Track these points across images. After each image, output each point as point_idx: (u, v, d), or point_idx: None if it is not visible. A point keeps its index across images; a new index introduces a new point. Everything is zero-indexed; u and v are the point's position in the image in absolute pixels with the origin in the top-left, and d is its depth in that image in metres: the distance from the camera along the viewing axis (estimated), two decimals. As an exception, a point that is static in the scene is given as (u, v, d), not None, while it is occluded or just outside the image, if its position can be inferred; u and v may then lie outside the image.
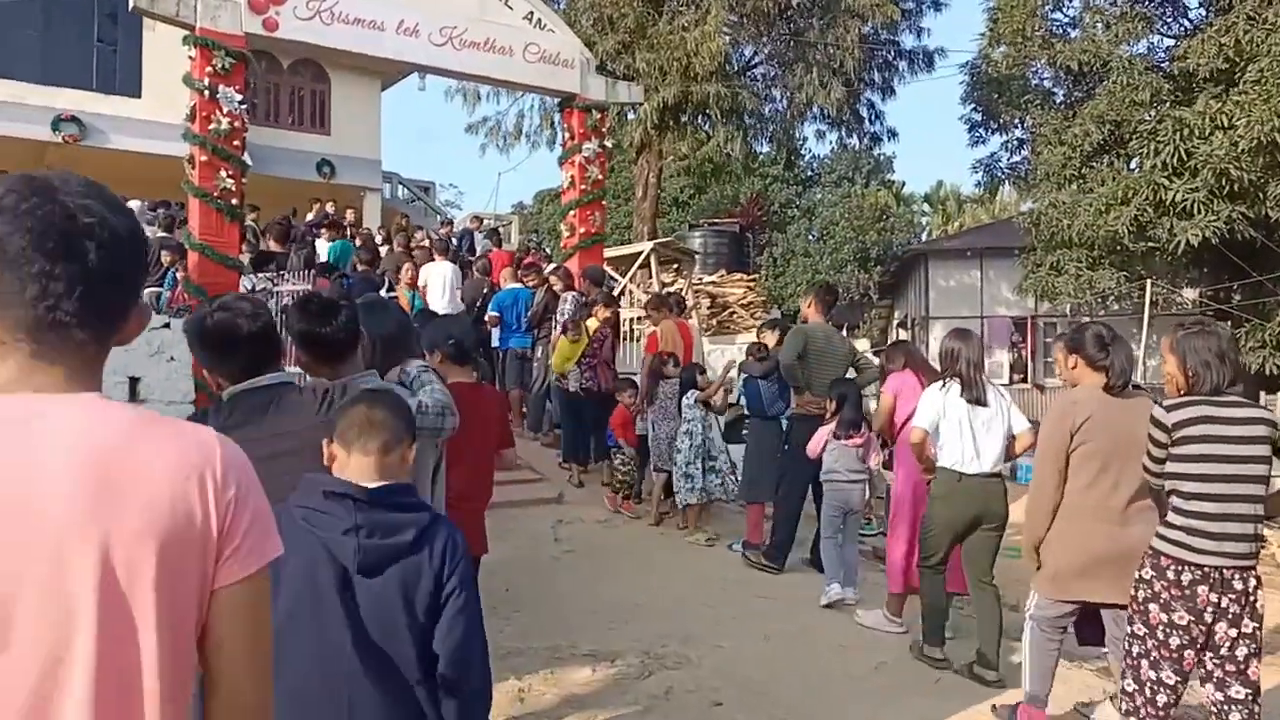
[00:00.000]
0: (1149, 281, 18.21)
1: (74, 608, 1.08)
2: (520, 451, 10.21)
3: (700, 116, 19.35)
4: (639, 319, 13.91)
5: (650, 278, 14.87)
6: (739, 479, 8.11)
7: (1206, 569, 3.40)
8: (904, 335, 28.58)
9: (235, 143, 9.69)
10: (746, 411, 8.38)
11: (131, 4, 9.34)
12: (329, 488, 2.09)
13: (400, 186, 27.54)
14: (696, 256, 17.47)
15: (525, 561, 7.29)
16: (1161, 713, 3.52)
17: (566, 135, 12.05)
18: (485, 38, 11.01)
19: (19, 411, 1.12)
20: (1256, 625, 3.44)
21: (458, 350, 4.25)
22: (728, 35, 17.03)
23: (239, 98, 9.67)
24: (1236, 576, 3.40)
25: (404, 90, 51.89)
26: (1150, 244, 18.97)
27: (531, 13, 11.44)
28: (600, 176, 11.98)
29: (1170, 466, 3.54)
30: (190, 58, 9.64)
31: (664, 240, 16.29)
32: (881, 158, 37.72)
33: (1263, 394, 18.18)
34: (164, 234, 12.41)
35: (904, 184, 40.69)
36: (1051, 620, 4.35)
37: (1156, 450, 3.58)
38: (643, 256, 14.64)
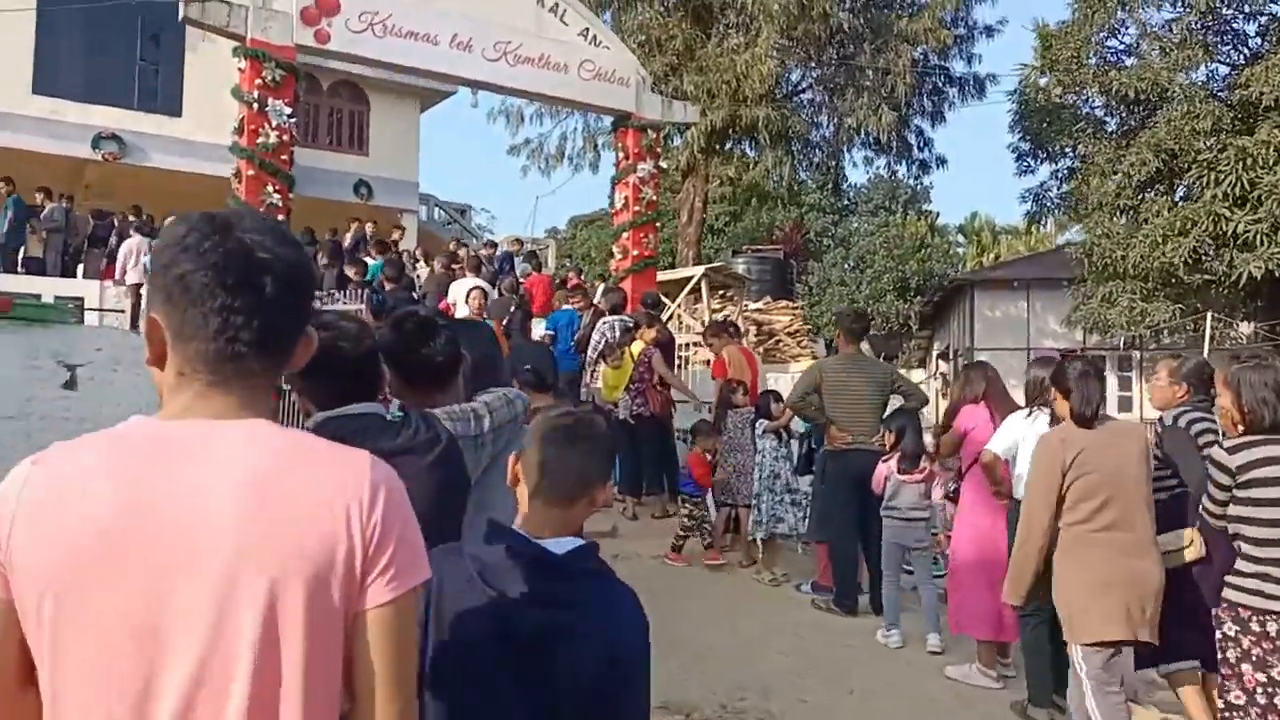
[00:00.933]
0: (1208, 315, 17.61)
1: (229, 630, 1.12)
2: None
3: (748, 140, 19.04)
4: (689, 345, 13.54)
5: (698, 303, 14.49)
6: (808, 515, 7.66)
7: None
8: (944, 367, 28.04)
9: (283, 157, 9.42)
10: (814, 445, 7.95)
11: (181, 13, 9.13)
12: (514, 545, 1.73)
13: (437, 208, 27.39)
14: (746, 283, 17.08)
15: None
16: None
17: (620, 155, 11.73)
18: (540, 53, 10.73)
19: (192, 436, 1.18)
20: None
21: (536, 378, 4.01)
22: (776, 59, 16.68)
23: (288, 111, 9.42)
24: None
25: (443, 112, 51.98)
26: (1206, 276, 18.43)
27: (587, 29, 11.16)
28: (654, 198, 11.66)
29: (1234, 510, 3.38)
30: (240, 69, 9.40)
31: (716, 265, 15.93)
32: (919, 187, 37.32)
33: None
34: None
35: (938, 214, 40.22)
36: (1099, 669, 4.00)
37: (1219, 493, 3.43)
38: (693, 281, 14.26)
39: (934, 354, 29.85)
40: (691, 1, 18.10)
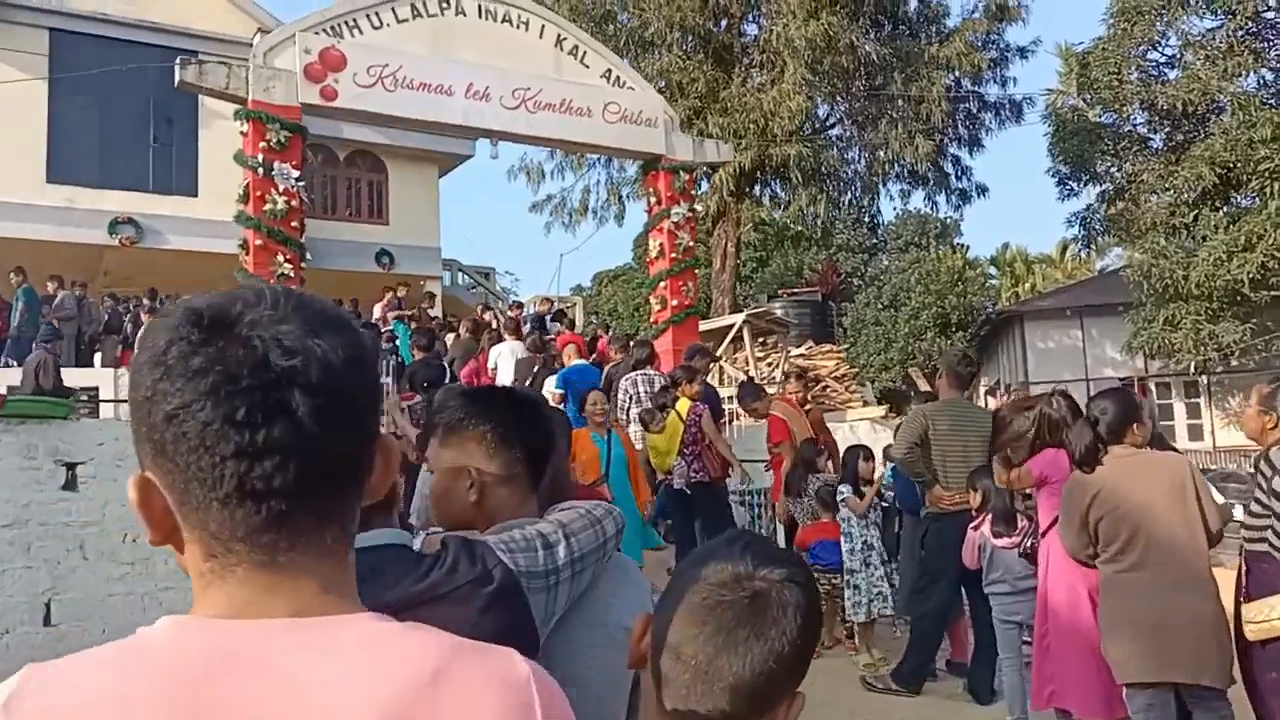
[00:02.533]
0: (1286, 333, 16.56)
1: None
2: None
3: (778, 181, 18.31)
4: (732, 398, 12.67)
5: (739, 351, 13.64)
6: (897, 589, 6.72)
7: None
8: (994, 403, 26.93)
9: (293, 224, 8.73)
10: (899, 507, 7.03)
11: (177, 79, 8.50)
12: None
13: (460, 273, 26.91)
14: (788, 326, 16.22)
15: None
16: None
17: (653, 200, 10.96)
18: (561, 98, 10.05)
19: (269, 651, 0.81)
20: None
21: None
22: (804, 93, 15.99)
23: (295, 174, 8.74)
24: None
25: (463, 175, 52.17)
26: (1274, 292, 17.41)
27: (610, 70, 10.48)
28: (691, 243, 10.87)
29: None
30: (242, 133, 8.76)
31: (757, 311, 15.11)
32: (950, 220, 36.52)
33: None
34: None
35: (968, 248, 39.29)
36: (1142, 711, 3.93)
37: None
38: (735, 329, 13.42)
39: (982, 390, 28.79)
40: (712, 43, 17.52)
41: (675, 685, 1.10)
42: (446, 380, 8.81)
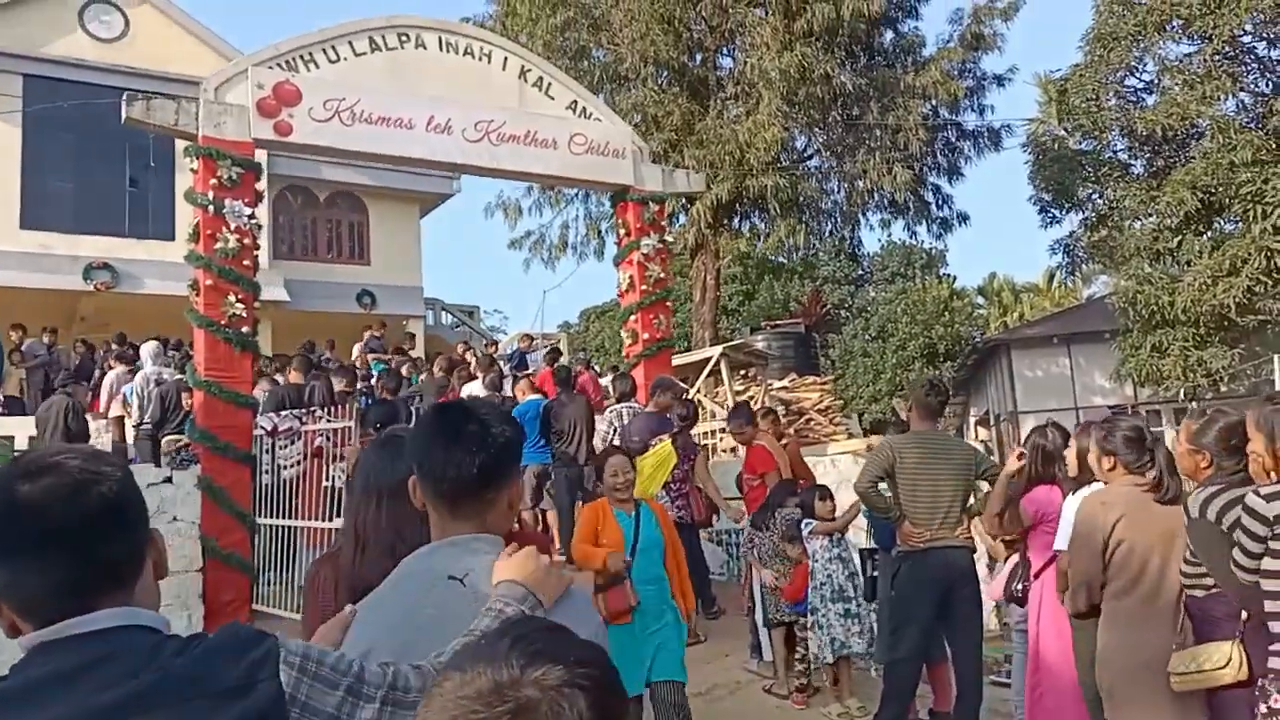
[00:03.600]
0: (1275, 358, 16.31)
1: None
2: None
3: (757, 212, 18.13)
4: (713, 432, 12.38)
5: (719, 385, 13.35)
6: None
7: None
8: (985, 434, 26.70)
9: (245, 262, 8.43)
10: (874, 545, 6.71)
11: (124, 115, 8.25)
12: None
13: (444, 312, 26.72)
14: (770, 359, 15.94)
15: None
16: None
17: (622, 232, 10.71)
18: (525, 130, 9.82)
19: None
20: None
21: None
22: (780, 124, 15.83)
23: (248, 211, 8.46)
24: None
25: (445, 214, 52.16)
26: (1262, 317, 17.21)
27: (575, 101, 10.27)
28: (662, 275, 10.59)
29: (1270, 564, 3.05)
30: (192, 170, 8.50)
31: (734, 344, 14.83)
32: (935, 251, 36.46)
33: None
34: (181, 375, 11.18)
35: (955, 278, 39.18)
36: None
37: (1253, 545, 3.09)
38: (712, 363, 13.14)
39: (972, 420, 28.55)
40: (687, 76, 17.41)
41: None
42: (400, 420, 8.54)
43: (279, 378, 11.07)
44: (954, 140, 18.94)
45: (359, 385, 11.65)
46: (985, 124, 18.86)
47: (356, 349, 17.34)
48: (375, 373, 13.81)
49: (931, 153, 18.39)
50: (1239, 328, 17.21)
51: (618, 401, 9.37)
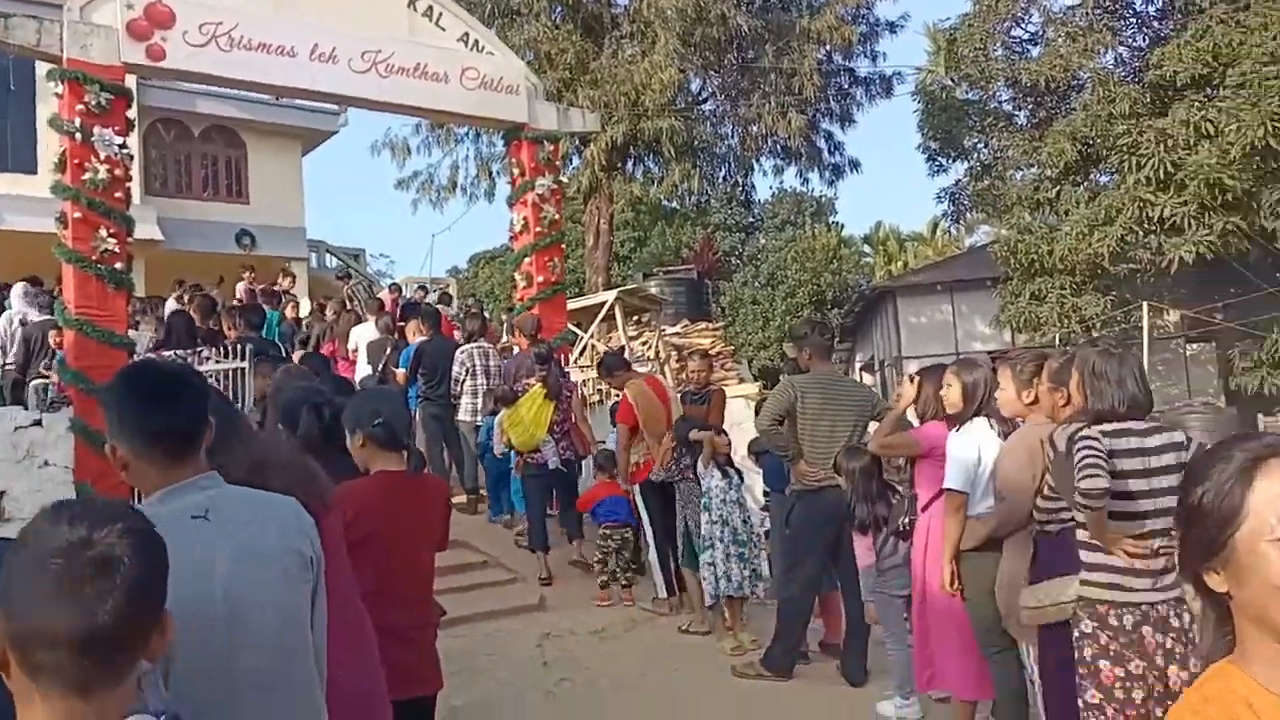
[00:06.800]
0: (1145, 304, 17.07)
1: None
2: (479, 539, 8.54)
3: (651, 156, 18.00)
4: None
5: (613, 331, 13.29)
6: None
7: (1144, 608, 3.21)
8: (870, 380, 27.34)
9: (116, 195, 7.96)
10: (767, 488, 6.79)
11: (-22, 32, 7.63)
12: None
13: (328, 255, 25.88)
14: (663, 305, 15.94)
15: (510, 704, 5.56)
16: None
17: (516, 171, 10.46)
18: (415, 63, 9.46)
19: None
20: (1201, 663, 2.58)
21: (386, 432, 3.16)
22: (676, 66, 15.68)
23: (119, 141, 7.97)
24: (1172, 613, 3.23)
25: (329, 153, 50.48)
26: (1133, 266, 17.98)
27: (467, 34, 9.93)
28: (557, 217, 10.41)
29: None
30: (57, 95, 7.94)
31: (629, 288, 14.75)
32: (825, 199, 36.97)
33: (1260, 416, 17.12)
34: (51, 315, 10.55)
35: (843, 226, 39.85)
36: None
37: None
38: (606, 308, 13.05)
39: (857, 365, 29.19)
40: (581, 12, 17.07)
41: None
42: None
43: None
44: (847, 87, 19.11)
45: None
46: (877, 71, 19.09)
47: (240, 288, 16.67)
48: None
49: (825, 99, 18.53)
50: (1112, 276, 17.93)
51: (467, 341, 9.20)
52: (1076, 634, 3.32)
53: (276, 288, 16.00)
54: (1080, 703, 3.27)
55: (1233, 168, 15.27)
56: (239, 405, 8.02)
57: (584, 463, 8.34)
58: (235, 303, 14.35)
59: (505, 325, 13.86)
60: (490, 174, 19.20)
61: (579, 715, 5.46)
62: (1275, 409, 16.74)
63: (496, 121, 10.62)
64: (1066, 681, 3.41)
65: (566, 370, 9.09)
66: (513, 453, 8.01)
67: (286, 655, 1.81)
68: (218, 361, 8.63)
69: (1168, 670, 3.19)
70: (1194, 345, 21.47)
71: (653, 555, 7.36)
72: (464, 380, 8.80)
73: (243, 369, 8.31)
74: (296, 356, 9.42)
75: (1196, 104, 15.82)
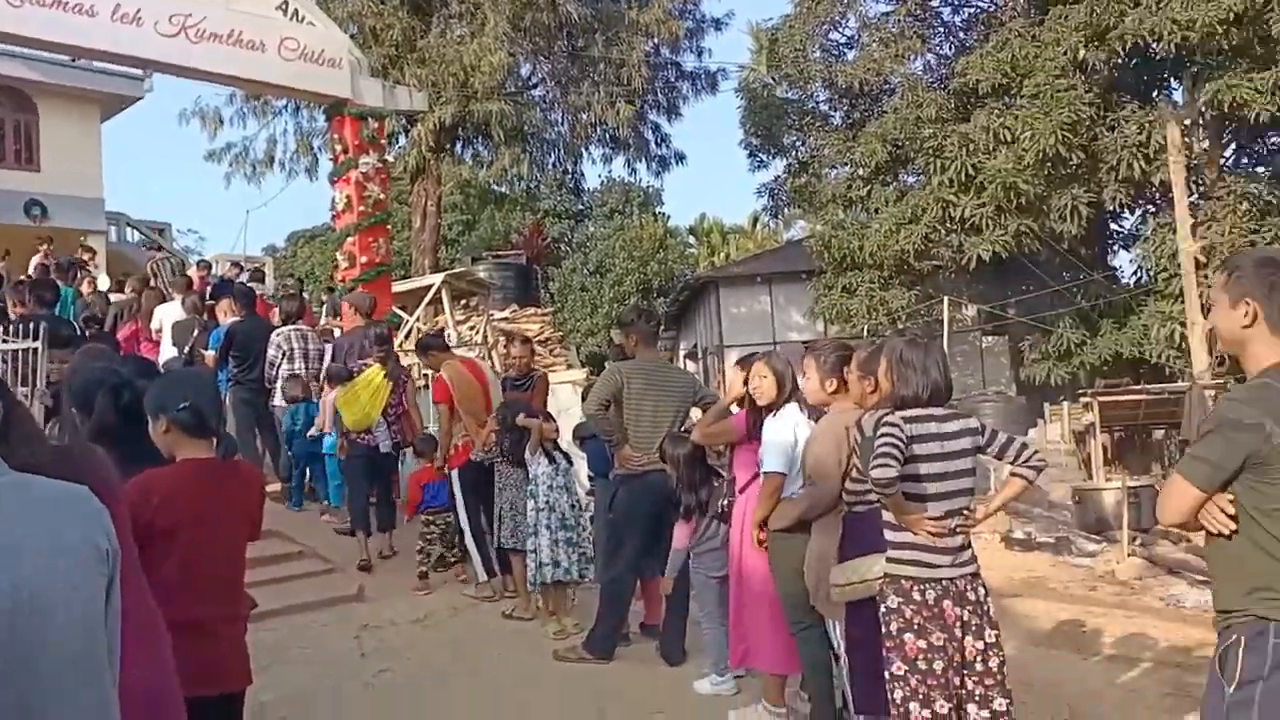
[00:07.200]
0: (945, 299, 18.15)
1: None
2: (293, 529, 8.26)
3: (480, 139, 17.78)
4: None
5: (439, 314, 13.10)
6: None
7: (944, 582, 3.38)
8: (693, 367, 27.93)
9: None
10: (591, 473, 6.86)
11: None
12: None
13: (130, 229, 24.36)
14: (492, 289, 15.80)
15: (326, 697, 5.41)
16: None
17: (339, 148, 10.14)
18: (229, 29, 9.02)
19: None
20: (997, 634, 3.48)
21: (194, 417, 2.95)
22: (506, 49, 15.54)
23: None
24: (969, 588, 3.42)
25: (131, 120, 47.57)
26: (936, 262, 19.09)
27: (286, 2, 9.54)
28: (382, 196, 10.16)
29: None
30: None
31: (456, 272, 14.52)
32: (652, 189, 37.48)
33: (1046, 405, 18.47)
34: None
35: (669, 217, 40.54)
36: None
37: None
38: (433, 291, 12.82)
39: (681, 353, 29.77)
40: (409, -13, 16.67)
41: None
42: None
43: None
44: (673, 80, 19.44)
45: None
46: (703, 66, 19.48)
47: (33, 263, 15.47)
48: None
49: (653, 90, 18.78)
50: (916, 272, 19.01)
51: (284, 323, 8.92)
52: (883, 609, 3.46)
53: (74, 259, 14.96)
54: (886, 674, 3.42)
55: (1027, 173, 16.44)
56: (32, 388, 7.52)
57: (406, 452, 8.19)
58: (24, 278, 13.33)
59: (326, 307, 13.43)
60: (311, 149, 18.51)
61: (398, 706, 5.37)
62: (1060, 398, 18.11)
63: (317, 95, 10.26)
64: (871, 654, 3.60)
65: (395, 353, 8.89)
66: (332, 435, 7.79)
67: (83, 653, 1.71)
68: (4, 341, 8.00)
69: (964, 641, 3.36)
70: (989, 338, 23.00)
71: (469, 540, 7.30)
72: (280, 364, 8.49)
73: (35, 349, 7.73)
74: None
75: (996, 111, 16.95)
